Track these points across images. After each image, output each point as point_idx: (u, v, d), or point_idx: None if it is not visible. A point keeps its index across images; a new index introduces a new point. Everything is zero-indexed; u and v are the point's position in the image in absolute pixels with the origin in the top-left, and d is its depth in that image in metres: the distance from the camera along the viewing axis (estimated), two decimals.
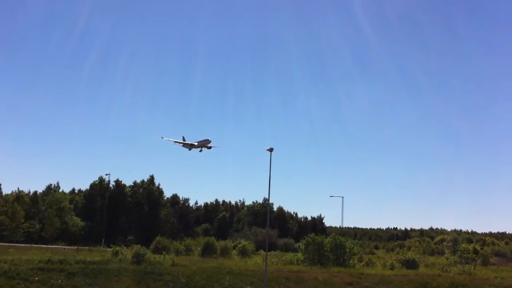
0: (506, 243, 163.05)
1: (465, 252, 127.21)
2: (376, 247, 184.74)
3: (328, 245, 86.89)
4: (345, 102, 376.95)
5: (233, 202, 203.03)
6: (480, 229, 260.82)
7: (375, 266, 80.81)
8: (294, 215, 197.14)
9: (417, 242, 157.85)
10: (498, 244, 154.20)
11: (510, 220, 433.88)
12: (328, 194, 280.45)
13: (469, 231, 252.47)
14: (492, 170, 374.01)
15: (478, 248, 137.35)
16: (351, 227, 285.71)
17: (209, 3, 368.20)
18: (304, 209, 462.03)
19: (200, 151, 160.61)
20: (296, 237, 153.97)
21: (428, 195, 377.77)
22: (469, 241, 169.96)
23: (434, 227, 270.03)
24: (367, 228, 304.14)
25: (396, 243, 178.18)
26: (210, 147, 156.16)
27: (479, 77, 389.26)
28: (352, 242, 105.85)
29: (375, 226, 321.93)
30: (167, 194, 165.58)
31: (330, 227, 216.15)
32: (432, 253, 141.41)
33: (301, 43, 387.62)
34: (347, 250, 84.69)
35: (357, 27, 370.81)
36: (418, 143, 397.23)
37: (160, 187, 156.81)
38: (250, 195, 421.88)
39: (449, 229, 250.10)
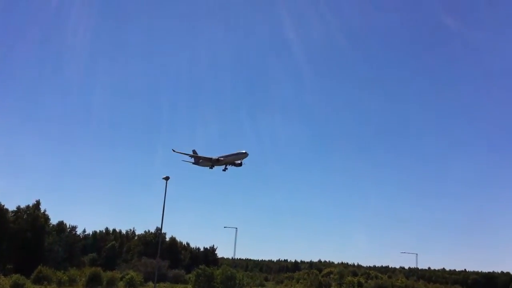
0: (389, 277, 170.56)
1: (350, 285, 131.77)
2: (266, 279, 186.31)
3: (219, 277, 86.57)
4: (249, 134, 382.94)
5: (123, 231, 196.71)
6: (365, 263, 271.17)
7: None
8: (187, 246, 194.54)
9: (306, 275, 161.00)
10: (381, 278, 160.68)
11: (393, 254, 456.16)
12: (222, 224, 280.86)
13: (355, 264, 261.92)
14: (375, 206, 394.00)
15: (363, 281, 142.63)
16: (243, 259, 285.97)
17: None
18: (197, 240, 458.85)
19: (225, 169, 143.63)
20: (187, 268, 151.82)
21: (318, 228, 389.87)
22: (355, 274, 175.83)
23: (322, 260, 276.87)
24: (258, 260, 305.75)
25: (286, 275, 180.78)
26: (240, 164, 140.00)
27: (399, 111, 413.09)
28: (243, 274, 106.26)
29: (267, 257, 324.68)
30: (54, 220, 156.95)
31: (223, 258, 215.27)
32: (319, 286, 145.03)
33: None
34: (238, 281, 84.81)
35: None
36: (307, 176, 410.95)
37: (46, 213, 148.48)
38: (142, 224, 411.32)
39: (336, 262, 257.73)
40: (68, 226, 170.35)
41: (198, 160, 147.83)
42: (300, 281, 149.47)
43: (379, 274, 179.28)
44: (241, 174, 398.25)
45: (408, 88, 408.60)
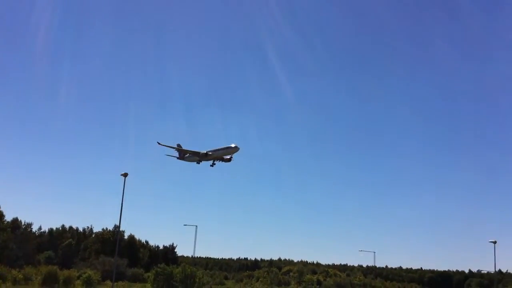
0: (348, 275, 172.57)
1: (310, 283, 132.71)
2: (226, 278, 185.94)
3: (178, 276, 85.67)
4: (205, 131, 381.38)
5: (80, 229, 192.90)
6: (324, 261, 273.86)
7: None
8: (146, 244, 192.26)
9: (266, 273, 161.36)
10: (340, 276, 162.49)
11: (352, 252, 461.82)
12: (182, 222, 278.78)
13: (315, 262, 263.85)
14: (335, 204, 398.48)
15: (322, 279, 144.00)
16: (203, 257, 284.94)
17: None
18: (156, 238, 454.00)
19: (213, 165, 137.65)
20: (146, 267, 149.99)
21: (278, 226, 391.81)
22: (314, 272, 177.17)
23: (282, 258, 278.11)
24: (219, 258, 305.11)
25: (245, 273, 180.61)
26: (230, 159, 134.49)
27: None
28: (202, 273, 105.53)
29: (227, 256, 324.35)
30: (8, 217, 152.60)
31: (183, 257, 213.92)
32: (279, 284, 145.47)
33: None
34: (197, 280, 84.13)
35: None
36: (269, 174, 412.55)
37: (0, 209, 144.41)
38: (100, 221, 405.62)
39: (296, 260, 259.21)
40: (23, 223, 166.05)
41: (184, 154, 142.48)
42: (260, 279, 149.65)
43: (338, 272, 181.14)
44: (203, 170, 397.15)
45: (378, 88, 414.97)
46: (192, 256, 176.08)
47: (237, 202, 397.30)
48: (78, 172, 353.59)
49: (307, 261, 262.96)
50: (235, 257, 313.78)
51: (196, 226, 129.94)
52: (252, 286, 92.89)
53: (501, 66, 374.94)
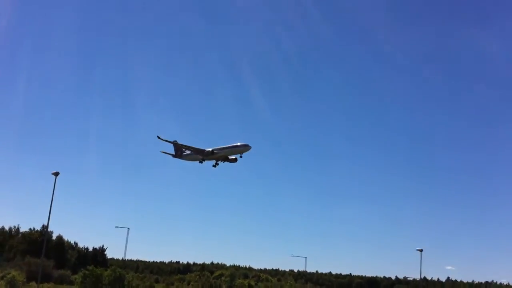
0: (279, 280, 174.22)
1: (241, 287, 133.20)
2: (157, 281, 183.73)
3: (107, 278, 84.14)
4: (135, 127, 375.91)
5: (6, 228, 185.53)
6: (257, 265, 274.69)
7: None
8: (75, 245, 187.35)
9: (197, 277, 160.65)
10: (271, 280, 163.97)
11: (283, 257, 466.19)
12: (113, 224, 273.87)
13: (247, 266, 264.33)
14: (268, 210, 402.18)
15: (253, 283, 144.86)
16: (134, 260, 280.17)
17: None
18: (86, 239, 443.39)
19: (216, 165, 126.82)
20: (74, 269, 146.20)
21: (211, 230, 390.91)
22: (246, 276, 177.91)
23: (215, 262, 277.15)
24: (150, 261, 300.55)
25: (177, 277, 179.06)
26: (236, 160, 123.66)
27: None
28: (133, 275, 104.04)
29: (159, 259, 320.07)
30: None
31: (112, 259, 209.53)
32: None
33: None
34: (127, 283, 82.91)
35: None
36: (203, 179, 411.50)
37: None
38: (28, 221, 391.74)
39: (228, 264, 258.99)
40: None
41: (182, 152, 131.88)
42: (191, 283, 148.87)
43: (270, 277, 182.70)
44: (138, 172, 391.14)
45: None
46: (122, 259, 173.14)
47: (171, 205, 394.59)
48: (6, 170, 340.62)
49: (239, 266, 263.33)
50: (167, 260, 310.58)
51: (128, 228, 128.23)
52: None
53: None
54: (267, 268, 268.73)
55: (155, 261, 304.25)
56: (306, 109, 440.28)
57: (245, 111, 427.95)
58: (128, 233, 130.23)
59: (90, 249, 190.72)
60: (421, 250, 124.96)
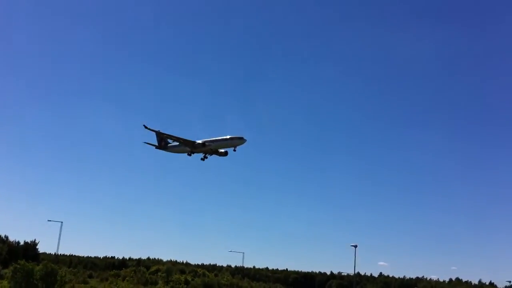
0: (216, 275, 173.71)
1: (177, 282, 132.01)
2: (91, 276, 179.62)
3: (38, 273, 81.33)
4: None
5: None
6: (194, 261, 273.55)
7: None
8: (5, 239, 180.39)
9: (133, 272, 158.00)
10: (209, 276, 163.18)
11: (221, 252, 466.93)
12: (46, 217, 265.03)
13: (184, 262, 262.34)
14: (206, 206, 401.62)
15: (190, 279, 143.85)
16: (67, 254, 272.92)
17: None
18: (17, 233, 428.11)
19: (204, 158, 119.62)
20: (5, 263, 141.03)
21: (148, 224, 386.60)
22: (183, 272, 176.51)
23: (151, 257, 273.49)
24: (84, 256, 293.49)
25: (112, 272, 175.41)
26: (226, 153, 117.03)
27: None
28: (65, 270, 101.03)
29: (93, 254, 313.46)
30: None
31: (45, 254, 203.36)
32: (146, 283, 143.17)
33: None
34: (59, 278, 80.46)
35: None
36: (137, 172, 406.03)
37: None
38: None
39: (165, 260, 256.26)
40: None
41: (166, 143, 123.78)
42: (127, 278, 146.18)
43: (207, 272, 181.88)
44: (73, 164, 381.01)
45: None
46: (55, 254, 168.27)
47: (107, 199, 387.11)
48: None
49: (176, 261, 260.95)
50: (101, 255, 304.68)
51: (62, 222, 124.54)
52: (117, 285, 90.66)
53: None
54: (205, 264, 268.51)
55: (89, 256, 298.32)
56: None
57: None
58: (61, 227, 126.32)
59: (22, 243, 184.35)
60: (355, 246, 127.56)
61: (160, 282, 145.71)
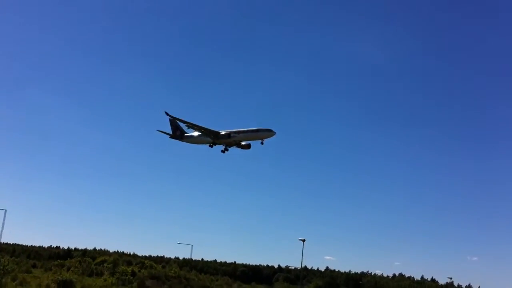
0: (163, 267, 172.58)
1: (124, 274, 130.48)
2: (34, 266, 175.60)
3: None
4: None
5: None
6: (141, 252, 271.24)
7: (30, 286, 76.95)
8: None
9: (78, 263, 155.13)
10: (156, 267, 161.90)
11: (170, 245, 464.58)
12: None
13: (131, 253, 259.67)
14: (155, 197, 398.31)
15: (137, 270, 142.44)
16: (10, 243, 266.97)
17: None
18: None
19: (225, 150, 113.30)
20: None
21: (95, 215, 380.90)
22: (129, 263, 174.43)
23: (98, 248, 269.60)
24: (27, 245, 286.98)
25: (56, 262, 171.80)
26: (249, 146, 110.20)
27: None
28: (8, 259, 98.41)
29: (37, 243, 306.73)
30: None
31: None
32: (91, 274, 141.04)
33: None
34: (1, 267, 78.50)
35: None
36: (83, 159, 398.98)
37: None
38: None
39: (112, 251, 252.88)
40: None
41: (182, 132, 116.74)
42: (71, 269, 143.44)
43: (154, 264, 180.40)
44: (18, 150, 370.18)
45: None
46: None
47: (53, 188, 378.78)
48: None
49: (123, 252, 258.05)
50: (46, 245, 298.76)
51: (6, 210, 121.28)
52: (61, 275, 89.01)
53: None
54: (152, 255, 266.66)
55: (33, 245, 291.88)
56: None
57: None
58: (5, 215, 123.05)
59: None
60: (303, 240, 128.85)
61: (106, 273, 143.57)
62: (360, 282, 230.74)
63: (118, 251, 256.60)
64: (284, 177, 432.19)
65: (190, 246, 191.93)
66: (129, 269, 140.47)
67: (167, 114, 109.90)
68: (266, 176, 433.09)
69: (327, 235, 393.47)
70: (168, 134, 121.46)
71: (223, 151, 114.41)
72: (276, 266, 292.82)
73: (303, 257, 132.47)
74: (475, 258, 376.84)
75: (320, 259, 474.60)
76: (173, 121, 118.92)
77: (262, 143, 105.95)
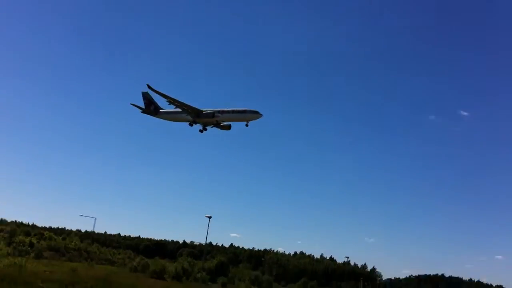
0: (63, 239, 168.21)
1: (21, 244, 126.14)
2: None
3: None
4: None
5: None
6: (41, 223, 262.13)
7: None
8: None
9: None
10: (55, 239, 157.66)
11: (72, 216, 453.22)
12: None
13: (30, 223, 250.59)
14: (57, 168, 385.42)
15: (35, 241, 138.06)
16: None
17: None
18: None
19: (203, 130, 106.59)
20: None
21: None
22: (28, 234, 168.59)
23: None
24: None
25: None
26: (229, 127, 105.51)
27: None
28: None
29: None
30: None
31: None
32: None
33: None
34: None
35: None
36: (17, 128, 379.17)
37: None
38: None
39: (9, 220, 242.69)
40: None
41: (157, 108, 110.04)
42: None
43: (54, 236, 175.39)
44: None
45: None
46: None
47: None
48: None
49: (21, 222, 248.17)
50: None
51: None
52: None
53: None
54: (53, 227, 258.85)
55: None
56: None
57: None
58: None
59: None
60: (209, 217, 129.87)
61: (2, 243, 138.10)
62: (263, 258, 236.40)
63: (16, 221, 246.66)
64: (199, 154, 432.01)
65: (94, 219, 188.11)
66: (27, 240, 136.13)
67: (149, 87, 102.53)
68: (175, 151, 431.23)
69: (234, 213, 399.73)
70: (140, 108, 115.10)
71: (201, 131, 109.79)
72: (181, 242, 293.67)
73: (208, 233, 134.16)
74: (371, 240, 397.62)
75: (227, 236, 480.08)
76: (147, 95, 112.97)
77: (247, 125, 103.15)
